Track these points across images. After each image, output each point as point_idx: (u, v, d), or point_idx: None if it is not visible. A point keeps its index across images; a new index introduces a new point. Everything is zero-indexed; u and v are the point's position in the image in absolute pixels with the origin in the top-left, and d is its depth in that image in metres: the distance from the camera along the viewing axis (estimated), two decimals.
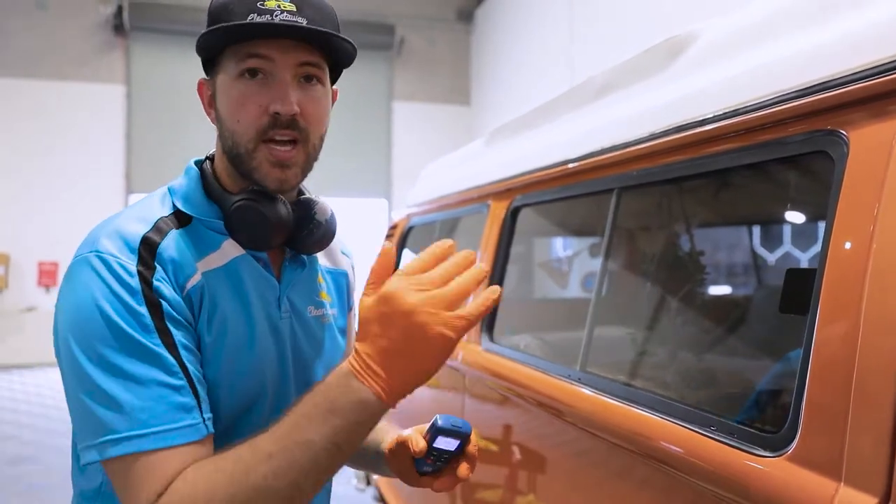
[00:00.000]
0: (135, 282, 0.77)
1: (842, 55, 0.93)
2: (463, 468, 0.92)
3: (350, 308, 1.12)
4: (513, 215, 2.04)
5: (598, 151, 1.54)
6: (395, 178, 10.36)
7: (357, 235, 7.87)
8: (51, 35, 9.23)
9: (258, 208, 0.87)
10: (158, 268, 0.80)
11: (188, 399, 0.77)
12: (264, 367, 0.89)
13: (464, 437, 0.92)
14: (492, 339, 2.01)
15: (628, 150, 1.41)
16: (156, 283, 0.79)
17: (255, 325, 0.88)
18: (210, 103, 0.91)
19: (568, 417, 1.49)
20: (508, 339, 2.08)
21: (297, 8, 0.83)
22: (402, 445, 0.96)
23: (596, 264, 1.64)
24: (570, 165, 1.67)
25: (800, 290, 0.97)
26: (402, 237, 3.29)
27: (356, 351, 0.72)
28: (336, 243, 1.10)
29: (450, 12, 10.79)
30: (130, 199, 9.62)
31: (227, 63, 0.85)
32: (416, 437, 0.93)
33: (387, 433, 1.05)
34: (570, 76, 7.00)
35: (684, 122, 1.23)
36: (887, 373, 0.77)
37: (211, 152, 0.97)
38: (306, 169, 0.90)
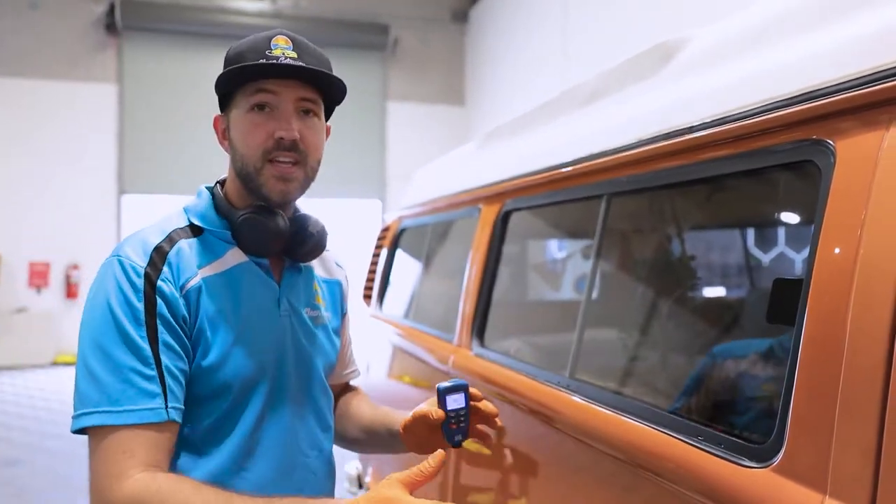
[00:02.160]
0: (140, 281, 0.96)
1: (829, 65, 0.93)
2: (488, 414, 1.12)
3: (344, 313, 1.30)
4: (504, 219, 2.03)
5: (586, 157, 1.54)
6: (390, 178, 10.35)
7: (351, 237, 7.85)
8: (42, 34, 9.18)
9: (260, 219, 1.04)
10: (165, 270, 0.98)
11: (155, 387, 0.93)
12: (261, 353, 1.04)
13: (464, 389, 1.09)
14: (482, 343, 2.00)
15: (617, 156, 1.41)
16: (159, 282, 0.97)
17: (250, 319, 1.04)
18: (224, 135, 1.09)
19: (556, 424, 1.49)
20: (499, 344, 2.08)
21: (297, 55, 1.02)
22: (418, 420, 1.13)
23: (587, 268, 1.64)
24: (561, 170, 1.67)
25: (787, 300, 0.96)
26: (394, 239, 3.28)
27: None
28: (330, 256, 1.28)
29: (444, 12, 10.79)
30: (122, 199, 9.58)
31: (240, 99, 1.04)
32: (432, 409, 1.10)
33: (393, 415, 1.22)
34: (564, 77, 7.00)
35: (673, 129, 1.23)
36: (873, 384, 0.77)
37: (222, 177, 1.14)
38: (304, 186, 1.08)
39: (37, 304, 9.19)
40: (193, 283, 1.00)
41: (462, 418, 1.09)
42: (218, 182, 1.14)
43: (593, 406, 1.34)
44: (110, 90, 9.48)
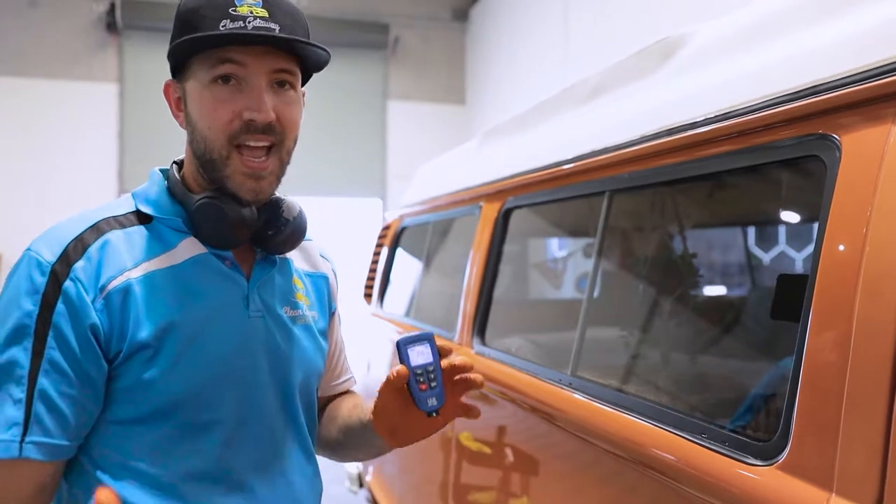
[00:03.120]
0: (41, 280, 0.79)
1: (833, 58, 0.92)
2: (464, 371, 0.90)
3: (333, 311, 1.12)
4: (505, 217, 2.02)
5: (588, 154, 1.53)
6: (390, 177, 10.33)
7: (351, 236, 7.84)
8: (43, 33, 9.17)
9: (219, 206, 0.87)
10: (79, 266, 0.81)
11: (17, 414, 0.77)
12: (222, 362, 0.88)
13: (429, 339, 0.89)
14: (483, 341, 1.99)
15: (619, 152, 1.40)
16: (67, 282, 0.80)
17: (208, 321, 0.87)
18: (178, 106, 0.91)
19: (559, 422, 1.48)
20: (500, 342, 2.07)
21: (269, 14, 0.83)
22: (383, 394, 0.92)
23: (589, 265, 1.63)
24: (562, 167, 1.66)
25: (792, 296, 0.96)
26: (395, 238, 3.27)
27: None
28: (314, 247, 1.11)
29: (445, 11, 10.77)
30: None
31: (199, 68, 0.85)
32: (393, 370, 0.89)
33: (366, 406, 1.02)
34: (565, 76, 6.99)
35: (676, 125, 1.22)
36: (880, 381, 0.76)
37: (178, 158, 0.97)
38: (280, 176, 0.91)
39: None
40: (118, 282, 0.82)
41: (432, 375, 0.88)
42: (174, 163, 0.96)
43: (595, 404, 1.34)
44: (111, 89, 9.47)
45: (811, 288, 0.88)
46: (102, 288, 0.81)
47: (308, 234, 1.04)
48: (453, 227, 2.74)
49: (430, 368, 0.88)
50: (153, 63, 9.58)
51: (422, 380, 0.88)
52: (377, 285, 3.31)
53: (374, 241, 3.50)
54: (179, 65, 0.89)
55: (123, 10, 9.19)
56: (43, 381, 0.78)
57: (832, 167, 0.90)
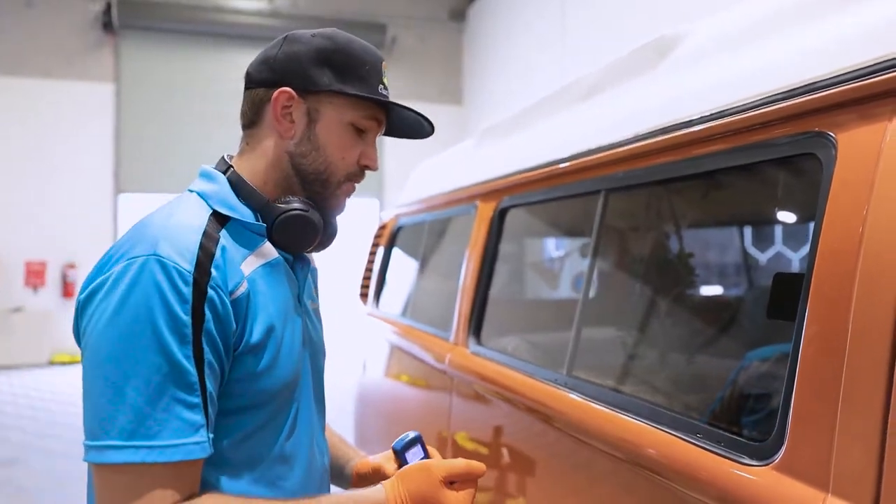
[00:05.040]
0: (188, 290, 0.81)
1: (830, 56, 0.92)
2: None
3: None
4: (500, 216, 2.02)
5: (584, 153, 1.52)
6: (387, 177, 10.33)
7: (347, 235, 7.81)
8: (39, 33, 9.15)
9: (313, 219, 0.97)
10: (214, 274, 0.84)
11: (199, 417, 0.81)
12: (296, 355, 0.97)
13: (418, 441, 1.07)
14: (479, 341, 1.99)
15: (613, 151, 1.40)
16: (210, 291, 0.83)
17: (287, 320, 0.96)
18: (285, 114, 0.97)
19: (554, 422, 1.47)
20: (495, 342, 2.06)
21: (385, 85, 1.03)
22: (376, 472, 1.13)
23: (585, 265, 1.62)
24: (558, 166, 1.65)
25: (787, 294, 0.95)
26: (391, 238, 3.26)
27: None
28: None
29: (442, 12, 10.77)
30: (119, 198, 9.54)
31: (348, 107, 0.98)
32: (389, 466, 1.10)
33: (346, 450, 1.20)
34: (562, 76, 6.98)
35: (672, 124, 1.22)
36: (876, 380, 0.76)
37: (227, 156, 1.02)
38: None
39: (33, 304, 9.15)
40: (243, 289, 0.88)
41: None
42: (228, 165, 1.00)
43: (591, 404, 1.33)
44: (107, 89, 9.45)
45: (807, 287, 0.87)
46: (231, 293, 0.87)
47: None
48: (449, 226, 2.73)
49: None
50: (149, 63, 9.58)
51: None
52: (373, 285, 3.30)
53: (370, 241, 3.49)
54: (312, 81, 0.97)
55: (120, 9, 9.16)
56: (208, 385, 0.83)
57: (828, 165, 0.89)
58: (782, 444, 0.86)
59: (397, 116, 1.05)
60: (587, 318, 1.59)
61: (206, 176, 0.97)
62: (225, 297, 0.85)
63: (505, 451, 1.72)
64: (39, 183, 9.14)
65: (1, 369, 8.58)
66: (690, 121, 1.16)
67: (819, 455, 0.81)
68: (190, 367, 0.81)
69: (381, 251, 3.31)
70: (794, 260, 2.36)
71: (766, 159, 1.03)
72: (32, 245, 9.14)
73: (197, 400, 0.81)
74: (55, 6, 9.22)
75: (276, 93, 0.96)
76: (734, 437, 0.97)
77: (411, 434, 1.07)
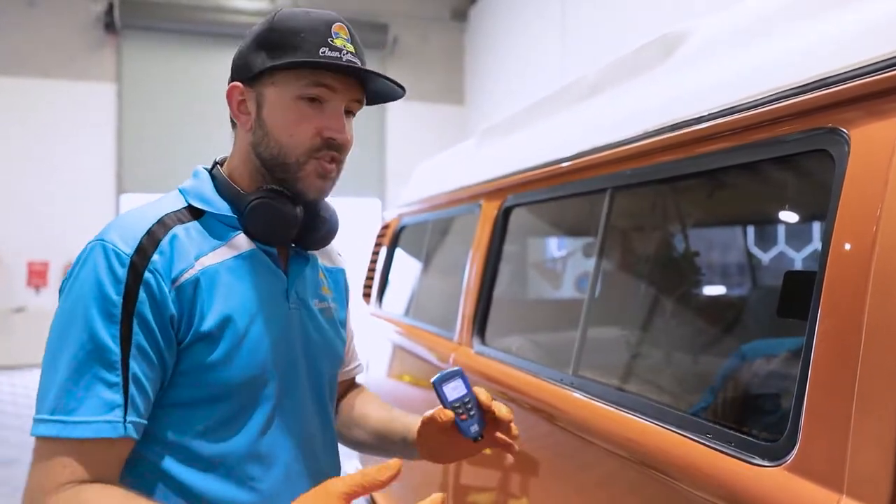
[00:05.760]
0: (123, 271, 0.84)
1: (843, 50, 0.90)
2: (498, 413, 1.00)
3: (348, 302, 1.21)
4: (505, 215, 2.00)
5: (591, 150, 1.51)
6: (389, 177, 10.32)
7: (350, 235, 7.81)
8: (40, 32, 9.14)
9: (277, 206, 0.95)
10: (156, 258, 0.87)
11: (116, 397, 0.82)
12: (269, 351, 0.95)
13: (459, 374, 0.99)
14: (483, 341, 1.98)
15: (622, 149, 1.38)
16: (147, 274, 0.85)
17: (257, 313, 0.94)
18: (241, 108, 0.98)
19: (561, 422, 1.46)
20: (500, 341, 2.05)
21: (355, 51, 0.96)
22: (427, 426, 1.04)
23: (589, 264, 1.61)
24: (563, 165, 1.64)
25: (799, 293, 0.94)
26: (394, 237, 3.25)
27: None
28: (331, 245, 1.19)
29: (443, 11, 10.75)
30: (121, 198, 9.54)
31: (287, 81, 0.94)
32: (438, 413, 1.00)
33: (405, 420, 1.13)
34: (563, 74, 6.97)
35: (680, 120, 1.20)
36: (891, 379, 0.74)
37: (219, 158, 1.05)
38: (335, 181, 1.02)
39: (35, 304, 9.15)
40: (189, 274, 0.89)
41: (469, 405, 0.98)
42: (216, 163, 1.04)
43: (598, 404, 1.32)
44: (109, 89, 9.44)
45: (819, 285, 0.86)
46: (175, 279, 0.88)
47: None
48: (453, 225, 2.72)
49: (467, 400, 0.98)
50: (151, 63, 9.58)
51: (461, 411, 0.98)
52: (376, 285, 3.29)
53: (373, 241, 3.48)
54: (249, 70, 0.96)
55: (122, 9, 9.15)
56: (133, 366, 0.84)
57: (841, 162, 0.88)
58: (795, 443, 0.85)
59: (367, 80, 0.98)
60: (593, 317, 1.57)
61: (193, 174, 1.01)
62: (163, 282, 0.86)
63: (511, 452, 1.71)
64: (41, 183, 9.13)
65: (2, 369, 8.57)
66: (700, 117, 1.15)
67: (833, 455, 0.79)
68: (113, 347, 0.82)
69: (383, 251, 3.30)
70: (797, 261, 2.34)
71: (777, 156, 1.02)
72: (35, 245, 9.14)
73: (117, 379, 0.82)
74: (57, 6, 9.22)
75: (227, 91, 0.99)
76: (745, 437, 0.96)
77: (451, 368, 1.01)
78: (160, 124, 9.45)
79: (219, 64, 10.29)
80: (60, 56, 9.24)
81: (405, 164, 9.10)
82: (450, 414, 0.98)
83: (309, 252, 1.07)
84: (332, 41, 0.93)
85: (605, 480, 1.30)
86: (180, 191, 0.99)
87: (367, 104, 1.04)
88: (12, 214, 9.04)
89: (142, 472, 0.89)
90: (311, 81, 0.93)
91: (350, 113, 0.99)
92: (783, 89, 0.97)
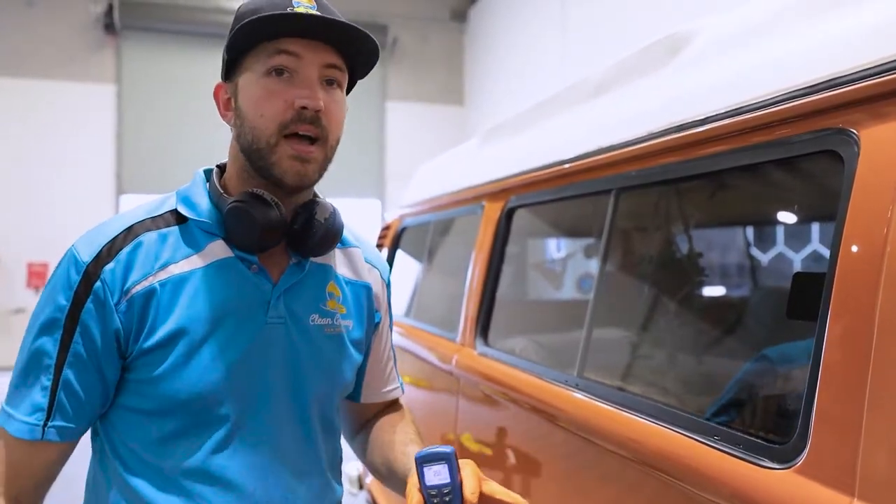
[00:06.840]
0: (76, 278, 0.85)
1: (852, 51, 0.90)
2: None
3: (377, 322, 1.09)
4: (508, 216, 2.00)
5: (595, 151, 1.50)
6: (389, 178, 10.31)
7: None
8: (40, 33, 9.13)
9: (247, 210, 0.87)
10: (109, 269, 0.85)
11: (43, 400, 0.84)
12: (224, 368, 0.88)
13: (448, 458, 0.82)
14: (486, 342, 1.97)
15: (627, 149, 1.38)
16: (98, 283, 0.85)
17: (217, 327, 0.88)
18: (227, 106, 0.94)
19: (565, 424, 1.46)
20: (503, 343, 2.04)
21: (322, 13, 0.87)
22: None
23: (592, 266, 1.60)
24: (566, 166, 1.63)
25: (808, 294, 0.93)
26: (395, 238, 3.24)
27: None
28: (359, 254, 1.08)
29: (443, 12, 10.75)
30: (121, 199, 9.53)
31: (253, 62, 0.88)
32: (410, 490, 0.83)
33: (405, 461, 0.98)
34: (563, 75, 6.97)
35: (687, 121, 1.20)
36: None
37: (222, 162, 0.99)
38: (323, 168, 0.92)
39: (35, 305, 9.14)
40: (144, 285, 0.86)
41: (449, 497, 0.82)
42: (218, 166, 0.98)
43: (603, 406, 1.31)
44: (108, 90, 9.43)
45: (829, 286, 0.86)
46: (126, 291, 0.86)
47: (355, 239, 1.08)
48: (455, 226, 2.72)
49: (447, 490, 0.82)
50: (151, 64, 9.56)
51: (436, 500, 0.82)
52: None
53: (374, 242, 3.47)
54: (232, 64, 0.92)
55: (121, 10, 9.14)
56: (67, 372, 0.85)
57: (850, 162, 0.87)
58: (805, 446, 0.84)
59: (341, 42, 0.89)
60: (598, 318, 1.57)
61: (193, 176, 0.98)
62: (111, 294, 0.85)
63: (511, 453, 1.70)
64: (41, 184, 9.12)
65: (2, 370, 8.55)
66: (706, 118, 1.14)
67: (844, 458, 0.79)
68: (50, 351, 0.84)
69: (385, 252, 3.29)
70: (796, 261, 2.34)
71: (785, 157, 1.01)
72: (34, 246, 9.12)
73: (47, 383, 0.84)
74: (56, 7, 9.20)
75: (213, 92, 0.96)
76: (754, 439, 0.95)
77: (441, 448, 0.84)
78: (160, 125, 9.44)
79: (218, 65, 10.22)
80: (60, 57, 9.23)
81: (405, 165, 9.10)
82: (417, 498, 0.82)
83: (318, 262, 0.98)
84: (292, 9, 0.85)
85: (613, 483, 1.29)
86: (176, 193, 0.95)
87: (358, 77, 0.98)
88: (12, 215, 9.02)
89: (106, 468, 0.92)
90: (271, 51, 0.87)
91: (333, 83, 0.90)
92: (792, 90, 0.97)
